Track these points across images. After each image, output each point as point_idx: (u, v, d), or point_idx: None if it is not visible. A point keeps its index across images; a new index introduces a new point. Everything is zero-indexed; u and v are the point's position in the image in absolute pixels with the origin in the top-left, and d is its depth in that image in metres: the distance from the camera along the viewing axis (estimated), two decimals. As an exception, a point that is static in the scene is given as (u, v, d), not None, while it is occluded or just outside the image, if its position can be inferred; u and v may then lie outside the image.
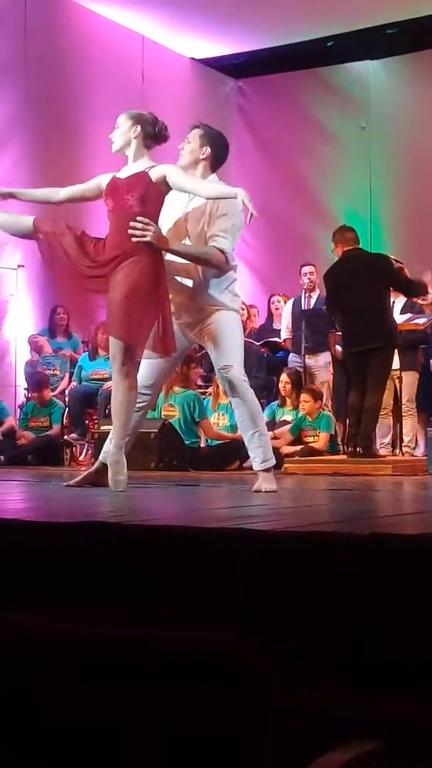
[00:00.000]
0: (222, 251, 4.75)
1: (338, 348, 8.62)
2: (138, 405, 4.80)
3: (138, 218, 4.55)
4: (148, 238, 4.55)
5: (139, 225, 4.54)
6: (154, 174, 4.61)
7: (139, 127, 4.71)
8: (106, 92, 10.28)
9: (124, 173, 4.71)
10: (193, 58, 12.38)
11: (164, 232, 4.74)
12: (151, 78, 11.49)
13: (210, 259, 4.77)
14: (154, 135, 4.74)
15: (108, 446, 4.78)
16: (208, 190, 4.73)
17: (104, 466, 4.76)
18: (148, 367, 4.86)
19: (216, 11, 10.89)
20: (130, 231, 4.54)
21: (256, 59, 12.31)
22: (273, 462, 4.95)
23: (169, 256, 4.73)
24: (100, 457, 4.92)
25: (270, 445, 5.01)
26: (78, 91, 10.62)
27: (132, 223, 4.54)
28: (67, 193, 4.92)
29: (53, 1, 10.50)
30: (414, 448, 8.86)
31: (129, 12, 10.98)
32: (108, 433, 4.97)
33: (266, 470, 4.88)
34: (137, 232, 4.54)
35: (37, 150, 10.13)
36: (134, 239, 4.54)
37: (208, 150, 4.88)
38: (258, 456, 4.87)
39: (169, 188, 4.66)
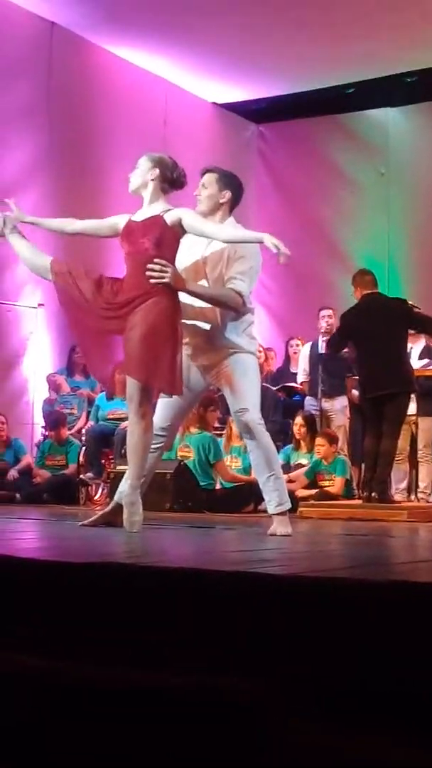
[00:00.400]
0: (239, 293, 4.77)
1: (355, 392, 8.62)
2: (154, 446, 4.80)
3: (155, 260, 4.58)
4: (166, 280, 4.57)
5: (157, 267, 4.56)
6: (170, 217, 4.64)
7: (158, 170, 4.73)
8: (129, 135, 10.38)
9: (139, 216, 4.73)
10: (215, 103, 12.51)
11: (182, 274, 4.76)
12: (174, 122, 11.61)
13: (227, 301, 4.78)
14: (171, 180, 4.77)
15: (123, 486, 4.78)
16: (227, 234, 4.74)
17: (119, 506, 4.76)
18: (164, 408, 4.87)
19: (238, 58, 11.01)
20: (148, 273, 4.56)
21: (277, 105, 12.41)
22: (288, 506, 4.93)
23: (186, 300, 4.75)
24: (116, 498, 4.92)
25: (285, 488, 5.00)
26: (100, 133, 10.72)
27: (150, 265, 4.56)
28: (82, 225, 4.97)
29: (77, 44, 10.63)
30: (430, 494, 8.82)
31: (152, 57, 11.12)
32: (124, 473, 4.97)
33: (281, 514, 4.87)
34: (155, 274, 4.56)
35: (59, 191, 10.21)
36: (152, 281, 4.57)
37: (228, 194, 4.91)
38: (273, 499, 4.86)
39: (184, 232, 4.67)
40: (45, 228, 5.21)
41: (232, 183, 4.96)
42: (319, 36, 10.32)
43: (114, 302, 4.67)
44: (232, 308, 4.81)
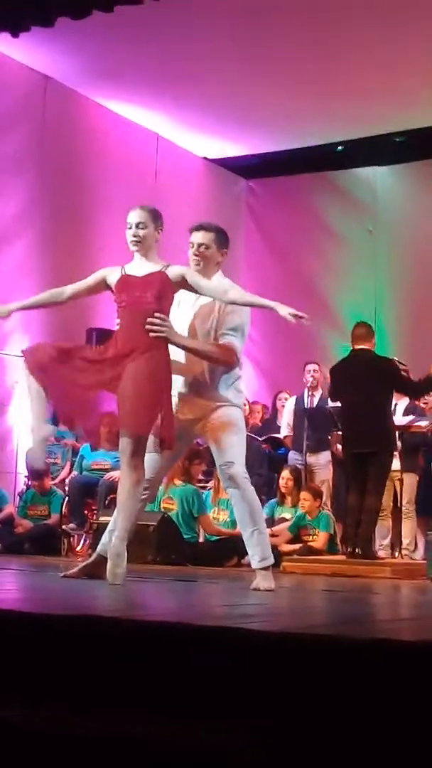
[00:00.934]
0: (233, 350, 4.80)
1: (339, 447, 8.63)
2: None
3: (156, 314, 4.60)
4: (165, 333, 4.60)
5: (157, 321, 4.59)
6: (171, 274, 4.66)
7: (160, 230, 4.76)
8: (120, 188, 10.46)
9: (137, 270, 4.71)
10: (205, 158, 12.63)
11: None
12: (164, 175, 11.71)
13: (220, 356, 4.80)
14: None
15: (106, 538, 4.75)
16: (234, 296, 4.72)
17: (102, 558, 4.73)
18: (149, 460, 4.85)
19: (229, 114, 11.15)
20: (148, 326, 4.57)
21: (266, 161, 12.55)
22: (271, 560, 4.91)
23: (173, 354, 4.76)
24: (98, 549, 4.89)
25: (269, 543, 4.98)
26: (92, 185, 10.80)
27: (150, 319, 4.57)
28: (73, 290, 4.89)
29: (70, 97, 10.73)
30: (413, 551, 8.79)
31: (144, 111, 11.24)
32: (107, 524, 4.94)
33: (264, 568, 4.85)
34: (155, 328, 4.58)
35: (50, 241, 10.27)
36: (152, 334, 4.58)
37: (225, 252, 4.96)
38: (256, 554, 4.84)
39: (179, 288, 4.71)
40: (32, 307, 5.14)
41: (227, 241, 5.00)
42: (310, 94, 10.45)
43: (105, 357, 4.65)
44: (225, 363, 4.83)
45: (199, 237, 4.92)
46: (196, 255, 4.89)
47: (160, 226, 4.76)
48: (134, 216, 4.74)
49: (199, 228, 4.95)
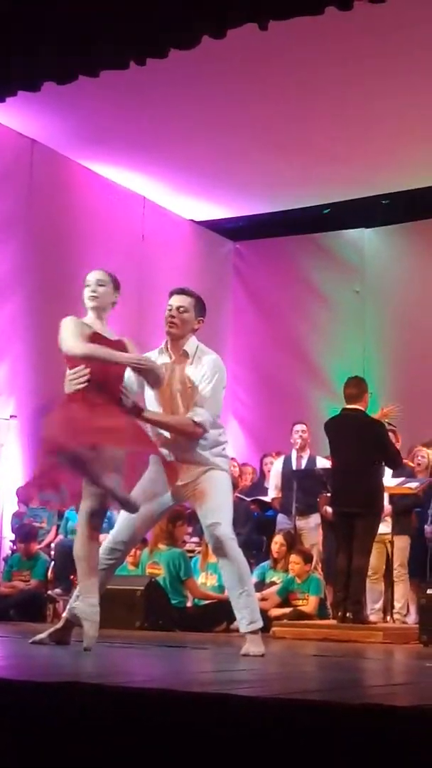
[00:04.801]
0: (197, 423, 4.73)
1: (328, 509, 8.56)
2: (109, 561, 4.75)
3: (125, 384, 4.57)
4: (129, 404, 4.57)
5: (125, 390, 4.57)
6: (126, 341, 4.62)
7: (117, 295, 4.70)
8: (107, 250, 10.47)
9: (106, 333, 4.61)
10: (192, 220, 12.70)
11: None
12: (151, 238, 11.76)
13: (183, 429, 4.76)
14: None
15: (77, 603, 4.66)
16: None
17: (71, 623, 4.75)
18: (125, 523, 4.76)
19: (216, 176, 11.23)
20: (122, 395, 4.53)
21: (253, 223, 12.63)
22: (260, 624, 4.83)
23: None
24: (67, 614, 4.86)
25: (257, 606, 4.90)
26: (79, 248, 10.81)
27: (124, 388, 4.55)
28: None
29: (57, 161, 10.79)
30: (406, 615, 8.67)
31: (131, 174, 11.31)
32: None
33: (253, 632, 4.76)
34: (124, 397, 4.55)
35: (36, 304, 10.25)
36: (124, 402, 4.53)
37: (202, 320, 4.94)
38: (245, 617, 4.76)
39: None
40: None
41: (204, 310, 4.98)
42: (296, 157, 10.55)
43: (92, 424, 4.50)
44: (190, 437, 4.76)
45: (178, 300, 4.88)
46: (173, 317, 4.84)
47: (118, 292, 4.69)
48: (95, 274, 4.68)
49: (179, 291, 4.93)
